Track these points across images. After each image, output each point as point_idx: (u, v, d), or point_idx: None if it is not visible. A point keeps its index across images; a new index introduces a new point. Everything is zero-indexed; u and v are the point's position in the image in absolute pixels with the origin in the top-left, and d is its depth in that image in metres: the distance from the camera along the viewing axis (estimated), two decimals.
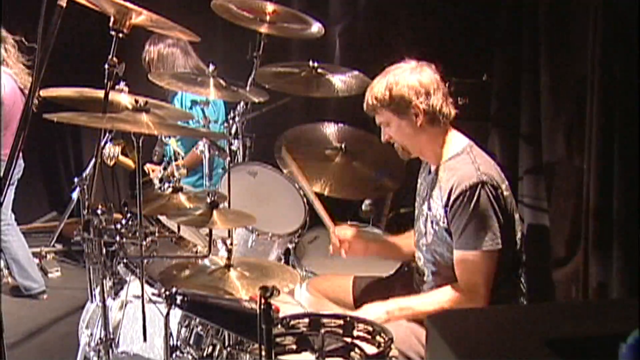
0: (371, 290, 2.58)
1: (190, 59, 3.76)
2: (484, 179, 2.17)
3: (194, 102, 3.11)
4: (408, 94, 2.23)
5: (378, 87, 2.28)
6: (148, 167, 3.61)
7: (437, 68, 2.30)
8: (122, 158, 2.45)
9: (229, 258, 2.04)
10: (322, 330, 2.04)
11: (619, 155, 2.29)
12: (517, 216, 2.33)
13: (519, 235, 2.32)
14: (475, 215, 2.16)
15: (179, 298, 2.04)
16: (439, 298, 2.25)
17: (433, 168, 2.35)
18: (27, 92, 4.08)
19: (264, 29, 2.96)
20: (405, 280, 2.56)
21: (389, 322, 2.21)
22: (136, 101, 2.05)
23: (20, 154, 1.91)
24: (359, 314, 2.25)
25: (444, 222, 2.24)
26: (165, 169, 2.83)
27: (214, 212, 2.03)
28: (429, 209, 2.32)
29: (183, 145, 3.34)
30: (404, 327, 2.26)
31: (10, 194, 3.94)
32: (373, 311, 2.27)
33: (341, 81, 2.92)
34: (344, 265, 3.02)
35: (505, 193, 2.23)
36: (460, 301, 2.19)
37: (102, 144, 2.33)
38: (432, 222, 2.30)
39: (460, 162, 2.24)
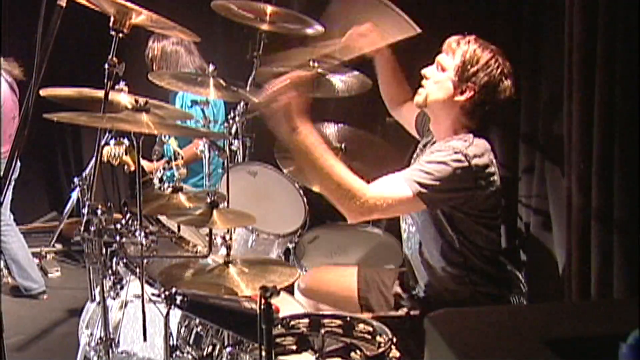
0: (375, 282, 2.58)
1: (194, 58, 3.76)
2: (466, 152, 2.15)
3: (194, 102, 3.11)
4: (482, 79, 2.21)
5: (469, 45, 2.25)
6: (143, 164, 3.57)
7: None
8: (125, 158, 2.44)
9: (228, 254, 2.04)
10: (322, 331, 2.04)
11: (619, 155, 2.29)
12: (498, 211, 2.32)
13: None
14: (434, 162, 2.13)
15: (179, 298, 2.04)
16: (348, 175, 2.10)
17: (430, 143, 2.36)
18: (16, 87, 4.11)
19: (264, 29, 2.96)
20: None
21: (288, 120, 2.08)
22: (136, 101, 2.05)
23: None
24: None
25: None
26: (164, 168, 2.82)
27: (214, 212, 2.03)
28: None
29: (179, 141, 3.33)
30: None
31: (8, 194, 3.94)
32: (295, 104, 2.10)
33: (341, 81, 2.92)
34: (344, 265, 3.02)
35: (492, 171, 2.21)
36: (356, 196, 2.07)
37: (103, 144, 2.33)
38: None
39: (455, 138, 2.25)
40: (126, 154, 2.36)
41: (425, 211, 2.23)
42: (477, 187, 2.18)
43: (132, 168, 2.48)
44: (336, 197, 2.10)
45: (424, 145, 2.46)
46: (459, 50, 2.26)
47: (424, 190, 2.10)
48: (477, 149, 2.20)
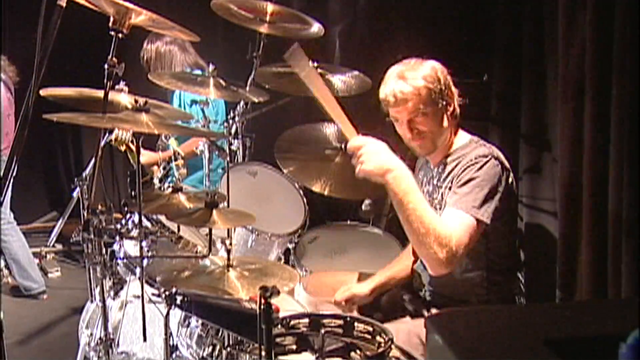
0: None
1: (188, 56, 3.76)
2: (496, 154, 2.19)
3: (193, 102, 3.11)
4: (449, 85, 2.24)
5: (425, 70, 2.20)
6: (147, 154, 3.53)
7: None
8: (131, 146, 2.46)
9: (228, 258, 2.04)
10: (322, 331, 2.04)
11: (622, 156, 2.29)
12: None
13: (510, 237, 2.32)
14: (480, 179, 2.12)
15: (179, 298, 2.04)
16: (439, 223, 2.04)
17: (435, 161, 2.34)
18: (11, 85, 4.12)
19: (263, 29, 2.96)
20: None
21: (385, 173, 2.01)
22: (136, 101, 2.05)
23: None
24: (367, 143, 2.04)
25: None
26: (164, 168, 2.82)
27: (214, 212, 2.03)
28: (437, 198, 2.31)
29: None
30: (406, 326, 2.25)
31: (7, 193, 3.94)
32: (386, 152, 2.04)
33: (341, 81, 2.91)
34: (344, 265, 3.02)
35: (511, 179, 2.23)
36: (446, 245, 2.01)
37: (102, 144, 2.33)
38: (444, 207, 2.26)
39: (469, 148, 2.26)
40: (132, 143, 2.36)
41: None
42: (510, 185, 2.20)
43: (134, 165, 2.48)
44: (427, 244, 2.01)
45: (424, 175, 2.43)
46: (414, 90, 2.17)
47: (482, 211, 2.10)
48: (500, 154, 2.24)
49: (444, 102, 2.23)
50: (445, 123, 2.25)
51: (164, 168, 2.81)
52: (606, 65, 2.28)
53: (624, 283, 2.22)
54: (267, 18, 2.95)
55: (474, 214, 2.10)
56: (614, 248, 2.30)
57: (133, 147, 2.29)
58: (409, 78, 2.19)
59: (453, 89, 2.28)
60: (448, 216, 2.12)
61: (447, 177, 2.27)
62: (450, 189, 2.22)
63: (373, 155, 2.02)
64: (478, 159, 2.17)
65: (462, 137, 2.32)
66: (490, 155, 2.18)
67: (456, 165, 2.24)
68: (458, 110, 2.29)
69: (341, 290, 2.50)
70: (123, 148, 2.58)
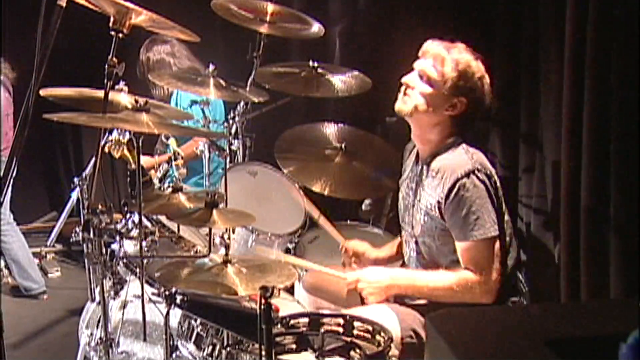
0: None
1: (184, 61, 3.76)
2: (478, 166, 2.17)
3: (193, 102, 3.11)
4: (468, 90, 2.19)
5: (462, 54, 2.19)
6: (143, 159, 3.54)
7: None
8: (126, 152, 2.44)
9: (226, 254, 2.04)
10: (322, 330, 2.04)
11: (616, 155, 2.30)
12: (506, 217, 2.31)
13: (508, 231, 2.30)
14: (473, 203, 2.14)
15: (179, 298, 2.04)
16: (449, 277, 2.18)
17: (422, 157, 2.33)
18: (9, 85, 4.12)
19: (263, 29, 2.96)
20: None
21: (390, 290, 2.24)
22: (136, 101, 2.05)
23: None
24: (361, 274, 2.30)
25: (435, 212, 2.22)
26: (162, 170, 2.82)
27: (214, 212, 2.03)
28: (419, 199, 2.31)
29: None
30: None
31: (7, 193, 3.94)
32: (378, 273, 2.29)
33: (341, 81, 2.91)
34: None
35: (498, 184, 2.23)
36: (473, 284, 2.14)
37: (102, 144, 2.33)
38: (421, 212, 2.29)
39: (453, 153, 2.24)
40: (128, 149, 2.35)
41: (437, 235, 2.25)
42: (498, 192, 2.21)
43: (133, 165, 2.48)
44: (463, 297, 2.15)
45: (411, 169, 2.43)
46: (449, 60, 2.18)
47: (491, 228, 2.14)
48: (474, 151, 2.23)
49: (457, 98, 2.20)
50: (437, 109, 2.22)
51: (162, 170, 2.80)
52: (606, 65, 2.28)
53: (625, 283, 2.23)
54: (267, 18, 2.95)
55: (488, 234, 2.14)
56: (614, 248, 2.31)
57: (128, 154, 2.29)
58: (453, 54, 2.19)
59: (476, 100, 2.22)
60: (467, 252, 2.18)
61: (430, 178, 2.26)
62: (438, 202, 2.20)
63: (373, 285, 2.27)
64: (463, 179, 2.15)
65: (452, 139, 2.28)
66: (473, 171, 2.16)
67: (437, 173, 2.22)
68: (471, 119, 2.27)
69: (356, 244, 2.64)
70: (117, 154, 2.57)
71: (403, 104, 2.26)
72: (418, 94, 2.23)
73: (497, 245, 2.16)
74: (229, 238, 2.11)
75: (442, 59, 2.19)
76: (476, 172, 2.16)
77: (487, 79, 2.24)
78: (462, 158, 2.20)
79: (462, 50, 2.21)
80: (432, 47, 2.22)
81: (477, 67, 2.21)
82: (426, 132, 2.29)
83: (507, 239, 2.28)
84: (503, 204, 2.27)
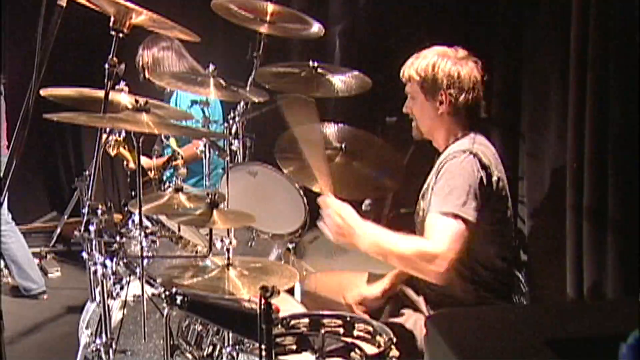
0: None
1: (184, 61, 3.77)
2: (475, 150, 2.18)
3: (193, 102, 3.11)
4: (442, 80, 2.25)
5: (421, 62, 2.29)
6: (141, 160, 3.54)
7: (484, 68, 2.31)
8: (122, 151, 2.44)
9: (228, 257, 2.04)
10: (322, 330, 2.04)
11: (616, 155, 2.30)
12: (509, 212, 2.31)
13: (509, 231, 2.30)
14: (452, 178, 2.15)
15: (179, 298, 2.04)
16: (409, 246, 2.14)
17: (439, 151, 2.38)
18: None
19: (263, 29, 2.96)
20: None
21: (352, 238, 2.22)
22: (136, 101, 2.05)
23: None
24: (342, 209, 2.27)
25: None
26: (165, 168, 2.82)
27: (214, 212, 2.03)
28: (428, 191, 2.31)
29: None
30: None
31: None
32: (354, 219, 2.24)
33: (341, 81, 2.91)
34: (345, 264, 3.02)
35: (494, 178, 2.21)
36: (427, 256, 2.09)
37: (102, 143, 2.33)
38: (426, 199, 2.29)
39: (459, 141, 2.28)
40: (124, 148, 2.35)
41: None
42: (493, 184, 2.20)
43: (132, 165, 2.48)
44: (418, 268, 2.14)
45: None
46: (411, 71, 2.31)
47: (466, 210, 2.10)
48: (481, 141, 2.26)
49: (433, 96, 2.27)
50: (432, 115, 2.29)
51: (164, 168, 2.81)
52: (607, 64, 2.28)
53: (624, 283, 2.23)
54: (267, 18, 2.95)
55: (458, 212, 2.10)
56: (614, 248, 2.31)
57: (126, 152, 2.29)
58: (420, 58, 2.31)
59: (455, 84, 2.26)
60: (432, 224, 2.15)
61: (436, 167, 2.30)
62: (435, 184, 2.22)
63: (334, 217, 2.26)
64: (456, 154, 2.19)
65: (463, 135, 2.31)
66: (468, 151, 2.18)
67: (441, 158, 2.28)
68: (468, 112, 2.29)
69: (352, 293, 2.50)
70: (114, 152, 2.57)
71: (415, 130, 2.42)
72: (415, 112, 2.37)
73: (463, 228, 2.10)
74: (230, 242, 2.11)
75: (408, 76, 2.34)
76: (469, 153, 2.17)
77: (445, 64, 2.27)
78: (463, 142, 2.26)
79: (420, 55, 2.33)
80: (402, 71, 2.37)
81: (431, 60, 2.28)
82: (440, 136, 2.35)
83: (507, 238, 2.29)
84: (504, 203, 2.26)
